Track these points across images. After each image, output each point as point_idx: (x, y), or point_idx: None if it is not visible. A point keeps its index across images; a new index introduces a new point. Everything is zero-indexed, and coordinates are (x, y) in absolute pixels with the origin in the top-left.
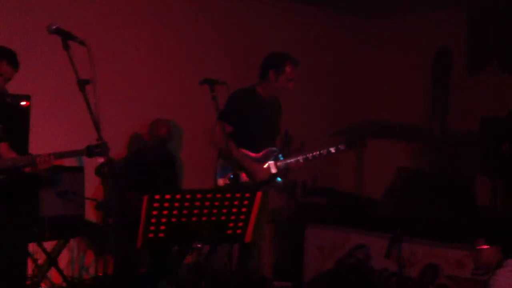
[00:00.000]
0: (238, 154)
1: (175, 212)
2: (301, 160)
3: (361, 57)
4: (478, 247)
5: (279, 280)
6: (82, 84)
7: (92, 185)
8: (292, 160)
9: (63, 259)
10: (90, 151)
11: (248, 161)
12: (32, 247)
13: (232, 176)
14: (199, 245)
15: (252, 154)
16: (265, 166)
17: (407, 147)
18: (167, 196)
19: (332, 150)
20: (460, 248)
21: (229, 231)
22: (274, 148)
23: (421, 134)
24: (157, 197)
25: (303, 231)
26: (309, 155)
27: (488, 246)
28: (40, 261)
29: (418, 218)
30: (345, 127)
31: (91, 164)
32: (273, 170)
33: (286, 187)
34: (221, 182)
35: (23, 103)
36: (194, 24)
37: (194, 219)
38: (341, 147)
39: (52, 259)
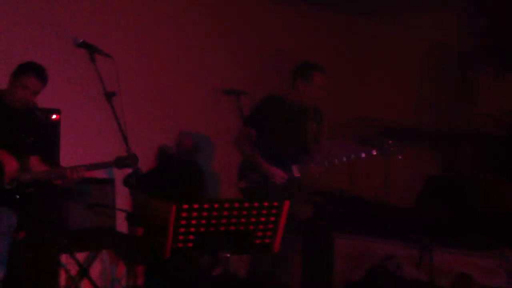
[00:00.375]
0: (260, 159)
1: (203, 221)
2: (326, 165)
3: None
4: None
5: None
6: (109, 96)
7: (123, 196)
8: (317, 165)
9: (95, 270)
10: (119, 163)
11: (270, 166)
12: (64, 258)
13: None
14: (227, 255)
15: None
16: (288, 170)
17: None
18: (195, 206)
19: (363, 155)
20: (492, 257)
21: (258, 241)
22: (296, 157)
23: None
24: (185, 206)
25: (329, 241)
26: (336, 160)
27: None
28: (73, 272)
29: (446, 226)
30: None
31: (121, 175)
32: (296, 174)
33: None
34: (242, 184)
35: (53, 116)
36: (210, 34)
37: (222, 228)
38: (373, 152)
39: (84, 270)
